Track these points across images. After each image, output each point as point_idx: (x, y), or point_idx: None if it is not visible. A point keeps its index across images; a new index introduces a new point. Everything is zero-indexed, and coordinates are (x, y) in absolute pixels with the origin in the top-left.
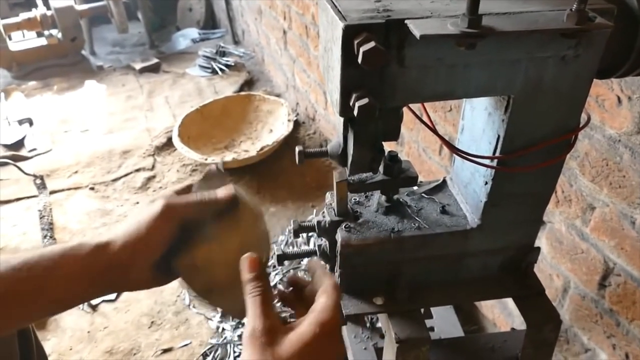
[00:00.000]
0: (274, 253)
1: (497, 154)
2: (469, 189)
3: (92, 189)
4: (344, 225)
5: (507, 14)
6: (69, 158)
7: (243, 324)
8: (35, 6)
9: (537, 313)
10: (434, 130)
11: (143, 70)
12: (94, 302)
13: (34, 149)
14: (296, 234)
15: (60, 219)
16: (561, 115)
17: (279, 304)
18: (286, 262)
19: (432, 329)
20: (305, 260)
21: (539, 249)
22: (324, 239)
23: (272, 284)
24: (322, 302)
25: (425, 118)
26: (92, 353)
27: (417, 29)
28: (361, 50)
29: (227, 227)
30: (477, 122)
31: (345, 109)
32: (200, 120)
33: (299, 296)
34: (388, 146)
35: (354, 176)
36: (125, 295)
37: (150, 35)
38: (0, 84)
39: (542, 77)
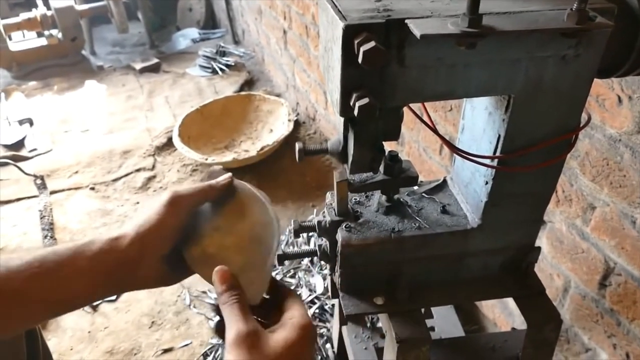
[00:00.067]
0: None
1: (498, 154)
2: (470, 188)
3: (92, 189)
4: (344, 225)
5: (508, 13)
6: (70, 158)
7: None
8: (36, 6)
9: (537, 313)
10: (434, 130)
11: (143, 70)
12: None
13: (34, 149)
14: (296, 233)
15: (60, 219)
16: (562, 115)
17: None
18: (286, 262)
19: (432, 328)
20: (306, 260)
21: (539, 248)
22: (324, 239)
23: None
24: (299, 309)
25: (425, 118)
26: (93, 353)
27: (417, 29)
28: (361, 50)
29: (235, 214)
30: (478, 121)
31: (345, 109)
32: (201, 120)
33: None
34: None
35: (355, 176)
36: (126, 295)
37: (150, 35)
38: (1, 84)
39: (542, 76)
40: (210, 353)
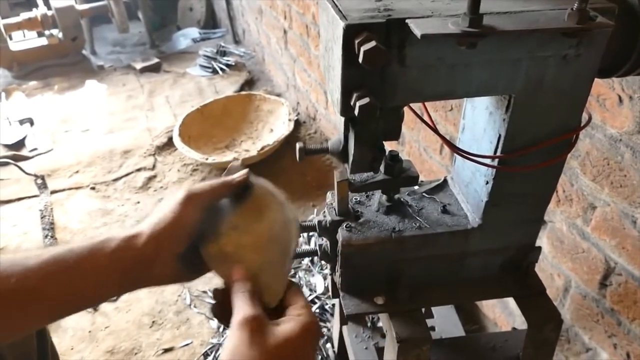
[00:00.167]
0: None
1: (498, 154)
2: (470, 188)
3: (93, 188)
4: (344, 225)
5: (508, 13)
6: (70, 158)
7: None
8: (36, 6)
9: (538, 312)
10: (434, 130)
11: (144, 70)
12: None
13: (35, 149)
14: None
15: (61, 219)
16: (562, 115)
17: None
18: None
19: (433, 328)
20: (306, 260)
21: (539, 248)
22: (324, 239)
23: None
24: (305, 307)
25: (426, 117)
26: (94, 353)
27: (418, 29)
28: (362, 49)
29: (252, 212)
30: (478, 121)
31: (346, 109)
32: (201, 120)
33: (225, 307)
34: (389, 145)
35: (355, 176)
36: (127, 295)
37: (150, 35)
38: (1, 84)
39: (543, 76)
40: (211, 353)
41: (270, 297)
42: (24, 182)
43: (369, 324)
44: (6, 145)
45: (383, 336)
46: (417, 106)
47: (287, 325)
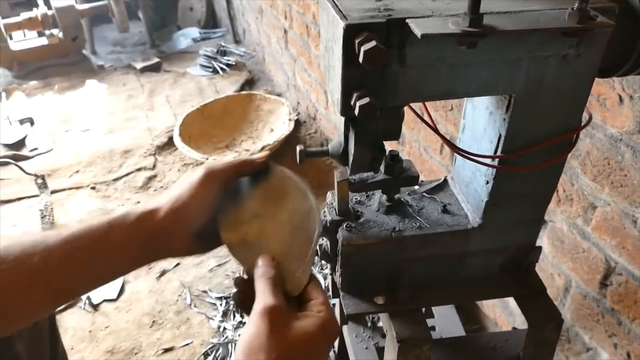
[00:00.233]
0: None
1: (499, 153)
2: (470, 188)
3: (93, 188)
4: (345, 225)
5: (508, 12)
6: (70, 157)
7: (244, 324)
8: (36, 6)
9: (538, 312)
10: (435, 130)
11: (144, 70)
12: (95, 301)
13: (35, 149)
14: None
15: (61, 219)
16: (562, 115)
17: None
18: None
19: (433, 328)
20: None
21: (540, 248)
22: (325, 239)
23: None
24: (325, 304)
25: (426, 117)
26: (94, 352)
27: (418, 28)
28: (362, 49)
29: (275, 201)
30: (479, 121)
31: (346, 109)
32: (201, 120)
33: (246, 295)
34: (389, 145)
35: (355, 175)
36: (127, 294)
37: (151, 35)
38: (2, 84)
39: (543, 76)
40: (211, 353)
41: (292, 286)
42: (24, 182)
43: (369, 324)
44: (6, 145)
45: (383, 336)
46: (417, 106)
47: (308, 321)
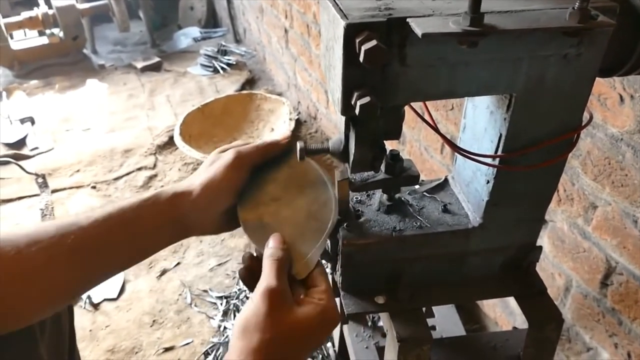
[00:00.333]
0: None
1: (499, 153)
2: (471, 187)
3: (93, 187)
4: (345, 224)
5: (509, 12)
6: (71, 157)
7: None
8: (37, 5)
9: (539, 312)
10: (435, 129)
11: (144, 69)
12: (95, 300)
13: (36, 148)
14: None
15: None
16: (563, 114)
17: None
18: None
19: (433, 327)
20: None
21: (540, 247)
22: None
23: None
24: (328, 291)
25: (427, 117)
26: (94, 352)
27: (419, 28)
28: (363, 48)
29: (295, 187)
30: (479, 120)
31: (346, 108)
32: (202, 119)
33: (253, 272)
34: (390, 145)
35: (356, 175)
36: (127, 294)
37: (151, 34)
38: (2, 83)
39: (544, 75)
40: (212, 352)
41: (300, 269)
42: (24, 181)
43: (369, 323)
44: (7, 144)
45: (384, 335)
46: (418, 105)
47: (308, 308)
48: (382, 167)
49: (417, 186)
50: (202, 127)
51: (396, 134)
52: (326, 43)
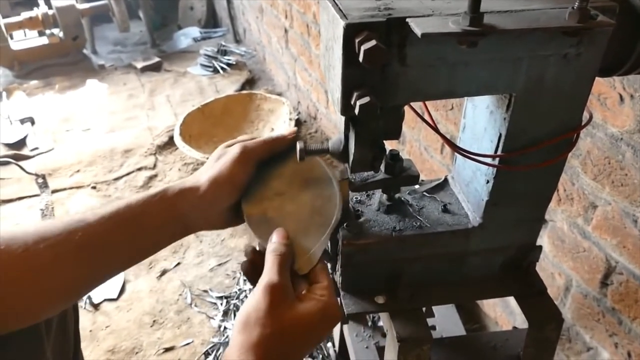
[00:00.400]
0: None
1: (499, 153)
2: (471, 187)
3: (93, 187)
4: (345, 224)
5: (509, 12)
6: (71, 157)
7: None
8: (37, 5)
9: (539, 312)
10: (435, 129)
11: (144, 69)
12: (95, 300)
13: (36, 148)
14: None
15: None
16: (563, 114)
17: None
18: None
19: (433, 327)
20: None
21: (540, 247)
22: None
23: None
24: (329, 288)
25: (426, 117)
26: (94, 352)
27: (418, 27)
28: (362, 48)
29: (299, 182)
30: (479, 120)
31: (346, 108)
32: (202, 119)
33: (255, 266)
34: (389, 145)
35: (355, 175)
36: (128, 294)
37: (151, 34)
38: (2, 83)
39: (543, 75)
40: (212, 352)
41: (302, 264)
42: (24, 182)
43: (369, 323)
44: (7, 145)
45: (384, 335)
46: (418, 105)
47: (309, 304)
48: (382, 167)
49: (416, 186)
50: (202, 127)
51: (396, 134)
52: (326, 43)
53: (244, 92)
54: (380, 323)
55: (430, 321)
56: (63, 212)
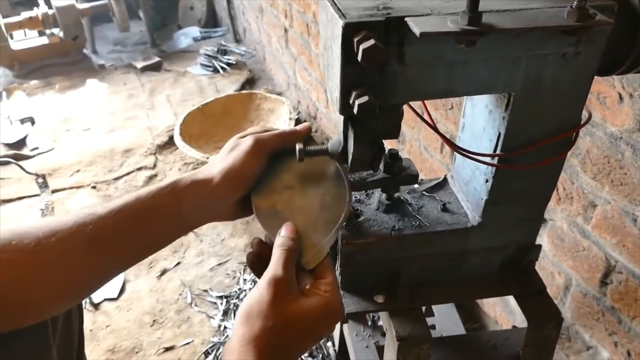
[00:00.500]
0: None
1: (498, 152)
2: (470, 186)
3: (94, 187)
4: (344, 224)
5: (507, 11)
6: (71, 157)
7: None
8: (37, 5)
9: (538, 311)
10: (434, 129)
11: (144, 69)
12: (96, 300)
13: (36, 148)
14: None
15: None
16: (562, 113)
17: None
18: None
19: (433, 326)
20: None
21: (540, 246)
22: None
23: None
24: (333, 285)
25: (426, 116)
26: (95, 352)
27: (417, 27)
28: (361, 48)
29: (310, 177)
30: (478, 119)
31: (345, 107)
32: (202, 119)
33: (261, 258)
34: (389, 144)
35: (355, 174)
36: (128, 293)
37: (151, 34)
38: (2, 83)
39: (542, 74)
40: (212, 351)
41: (309, 259)
42: (25, 181)
43: (369, 323)
44: (7, 144)
45: (383, 335)
46: (417, 105)
47: (312, 299)
48: (381, 167)
49: (416, 185)
50: (202, 126)
51: (395, 133)
52: (325, 42)
53: (244, 91)
54: (380, 322)
55: (429, 320)
56: (63, 212)
